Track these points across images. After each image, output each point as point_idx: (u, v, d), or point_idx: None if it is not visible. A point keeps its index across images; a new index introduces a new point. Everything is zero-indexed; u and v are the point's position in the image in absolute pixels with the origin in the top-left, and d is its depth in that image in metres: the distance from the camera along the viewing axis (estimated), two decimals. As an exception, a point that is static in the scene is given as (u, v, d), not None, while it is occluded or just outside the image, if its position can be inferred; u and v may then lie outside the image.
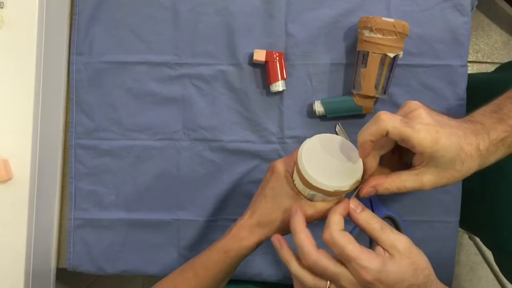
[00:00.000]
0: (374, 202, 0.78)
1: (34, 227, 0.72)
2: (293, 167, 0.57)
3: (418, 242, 0.77)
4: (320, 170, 0.52)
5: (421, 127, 0.48)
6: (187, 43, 0.79)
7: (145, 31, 0.80)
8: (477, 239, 1.34)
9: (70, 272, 0.82)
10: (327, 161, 0.53)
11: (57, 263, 0.82)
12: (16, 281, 0.70)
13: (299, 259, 0.52)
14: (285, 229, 0.57)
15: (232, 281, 0.80)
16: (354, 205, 0.52)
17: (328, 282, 0.51)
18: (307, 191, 0.55)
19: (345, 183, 0.52)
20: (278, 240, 0.54)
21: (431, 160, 0.50)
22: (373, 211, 0.77)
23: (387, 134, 0.49)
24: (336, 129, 0.79)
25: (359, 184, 0.54)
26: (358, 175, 0.52)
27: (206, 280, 0.60)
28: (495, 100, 0.55)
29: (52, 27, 0.74)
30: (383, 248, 0.49)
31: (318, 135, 0.55)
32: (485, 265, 1.28)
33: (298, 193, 0.57)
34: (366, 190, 0.53)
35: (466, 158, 0.49)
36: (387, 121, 0.49)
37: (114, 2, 0.79)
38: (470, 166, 0.50)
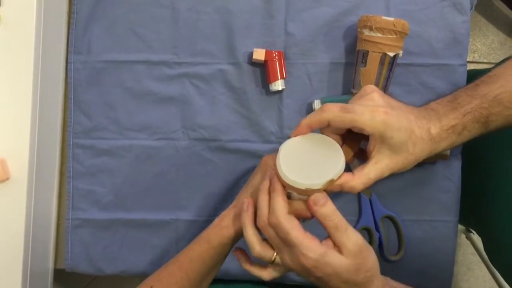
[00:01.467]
0: (374, 202, 0.78)
1: (32, 227, 0.71)
2: None
3: (417, 241, 0.78)
4: (295, 168, 0.51)
5: (365, 109, 0.50)
6: (186, 42, 0.79)
7: (143, 30, 0.79)
8: (474, 239, 1.34)
9: (67, 273, 0.81)
10: (306, 160, 0.52)
11: (55, 263, 0.81)
12: (13, 281, 0.69)
13: (256, 227, 0.53)
14: None
15: (224, 281, 0.80)
16: (316, 198, 0.50)
17: (275, 253, 0.52)
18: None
19: (316, 181, 0.50)
20: (248, 203, 0.55)
21: (382, 142, 0.51)
22: (372, 210, 0.77)
23: (329, 124, 0.51)
24: None
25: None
26: (332, 174, 0.51)
27: (191, 273, 0.60)
28: (453, 92, 0.56)
29: (50, 26, 0.73)
30: (334, 243, 0.49)
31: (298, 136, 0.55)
32: (482, 265, 1.29)
33: None
34: (331, 187, 0.52)
35: (417, 140, 0.51)
36: (328, 112, 0.50)
37: (113, 0, 0.79)
38: (422, 148, 0.51)
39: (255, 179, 0.60)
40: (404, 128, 0.50)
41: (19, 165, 0.69)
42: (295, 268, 0.50)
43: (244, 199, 0.56)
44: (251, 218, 0.54)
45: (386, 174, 0.52)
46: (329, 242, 0.49)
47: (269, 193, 0.53)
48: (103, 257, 0.80)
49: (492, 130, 0.55)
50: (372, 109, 0.50)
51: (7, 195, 0.69)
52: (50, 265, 0.80)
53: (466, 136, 0.53)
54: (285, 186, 0.52)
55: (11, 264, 0.69)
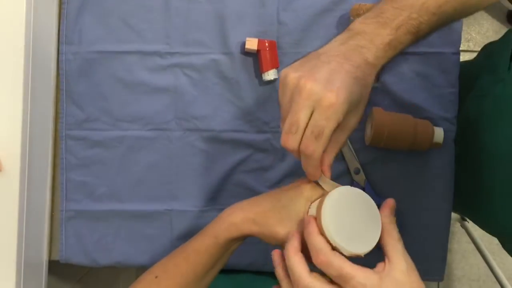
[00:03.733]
0: (367, 191, 0.78)
1: (25, 219, 0.71)
2: (317, 198, 0.55)
3: (411, 229, 0.79)
4: (342, 230, 0.49)
5: (325, 111, 0.47)
6: (178, 32, 0.79)
7: (135, 20, 0.79)
8: (469, 227, 1.35)
9: (62, 264, 0.81)
10: (349, 220, 0.51)
11: (49, 255, 0.81)
12: (7, 273, 0.69)
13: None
14: (275, 239, 0.56)
15: (226, 271, 0.80)
16: (393, 253, 0.50)
17: None
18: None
19: (364, 249, 0.49)
20: (278, 257, 0.53)
21: (348, 110, 0.49)
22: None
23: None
24: None
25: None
26: (376, 239, 0.50)
27: (197, 265, 0.59)
28: (375, 5, 0.54)
29: (41, 16, 0.73)
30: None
31: (343, 187, 0.52)
32: (477, 253, 1.29)
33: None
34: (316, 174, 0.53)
35: (364, 82, 0.49)
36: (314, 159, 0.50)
37: (104, -10, 0.78)
38: (371, 80, 0.50)
39: (288, 196, 0.58)
40: (356, 85, 0.48)
41: (12, 157, 0.69)
42: None
43: (273, 252, 0.54)
44: (286, 273, 0.52)
45: (355, 127, 0.52)
46: (380, 268, 0.49)
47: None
48: (98, 249, 0.80)
49: (420, 38, 0.53)
50: (323, 101, 0.46)
51: (0, 187, 0.69)
52: (45, 257, 0.80)
53: (399, 48, 0.52)
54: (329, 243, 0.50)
55: (5, 257, 0.69)
